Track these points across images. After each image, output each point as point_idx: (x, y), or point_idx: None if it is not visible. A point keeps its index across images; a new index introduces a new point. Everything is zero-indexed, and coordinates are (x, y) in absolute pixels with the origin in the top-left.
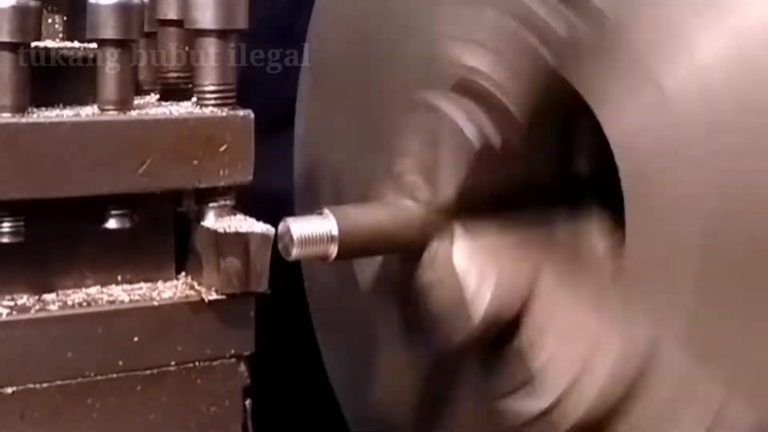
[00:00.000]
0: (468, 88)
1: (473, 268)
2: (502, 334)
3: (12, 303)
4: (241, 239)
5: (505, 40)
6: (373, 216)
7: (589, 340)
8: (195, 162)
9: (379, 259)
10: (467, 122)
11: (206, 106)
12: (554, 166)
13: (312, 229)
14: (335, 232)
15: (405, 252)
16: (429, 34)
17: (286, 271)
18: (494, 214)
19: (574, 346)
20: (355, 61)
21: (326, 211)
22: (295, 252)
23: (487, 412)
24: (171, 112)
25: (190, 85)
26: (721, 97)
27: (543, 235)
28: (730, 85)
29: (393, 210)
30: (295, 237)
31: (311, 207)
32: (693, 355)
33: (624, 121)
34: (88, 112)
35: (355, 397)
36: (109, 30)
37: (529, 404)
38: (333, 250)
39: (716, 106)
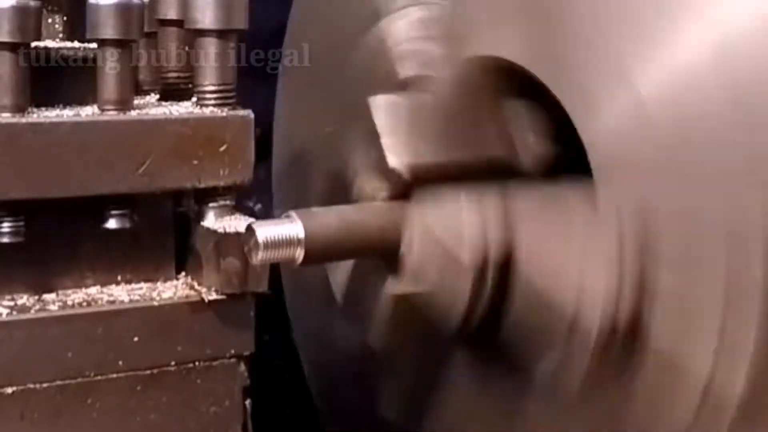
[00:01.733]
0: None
1: (449, 224)
2: (493, 309)
3: (12, 303)
4: (241, 239)
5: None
6: (341, 218)
7: (581, 257)
8: (195, 162)
9: (350, 264)
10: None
11: (206, 106)
12: (514, 145)
13: (277, 232)
14: (301, 235)
15: (377, 254)
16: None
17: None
18: (464, 185)
19: (568, 270)
20: (322, 60)
21: (293, 213)
22: (260, 256)
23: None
24: (171, 112)
25: (190, 85)
26: (694, 99)
27: (516, 192)
28: (704, 86)
29: (361, 211)
30: (260, 240)
31: (288, 205)
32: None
33: (598, 122)
34: (88, 112)
35: (330, 399)
36: (109, 30)
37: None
38: (299, 254)
39: (690, 108)
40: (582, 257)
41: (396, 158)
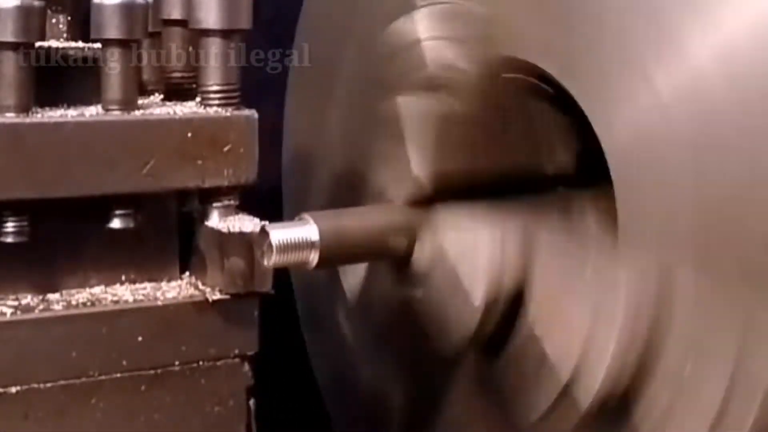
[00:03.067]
0: (435, 84)
1: (465, 252)
2: (500, 331)
3: (16, 303)
4: (245, 239)
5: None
6: (356, 221)
7: (592, 313)
8: (199, 162)
9: (363, 266)
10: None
11: (210, 106)
12: (538, 153)
13: (291, 235)
14: (316, 238)
15: (390, 257)
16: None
17: (287, 271)
18: (481, 201)
19: (577, 322)
20: (335, 58)
21: (306, 216)
22: (274, 259)
23: (492, 412)
24: (175, 112)
25: (194, 85)
26: (715, 99)
27: (533, 215)
28: (724, 86)
29: (376, 214)
30: (274, 244)
31: (299, 206)
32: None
33: (618, 125)
34: (92, 112)
35: (341, 398)
36: (113, 30)
37: (544, 392)
38: (314, 257)
39: (711, 107)
40: (593, 315)
41: (419, 165)
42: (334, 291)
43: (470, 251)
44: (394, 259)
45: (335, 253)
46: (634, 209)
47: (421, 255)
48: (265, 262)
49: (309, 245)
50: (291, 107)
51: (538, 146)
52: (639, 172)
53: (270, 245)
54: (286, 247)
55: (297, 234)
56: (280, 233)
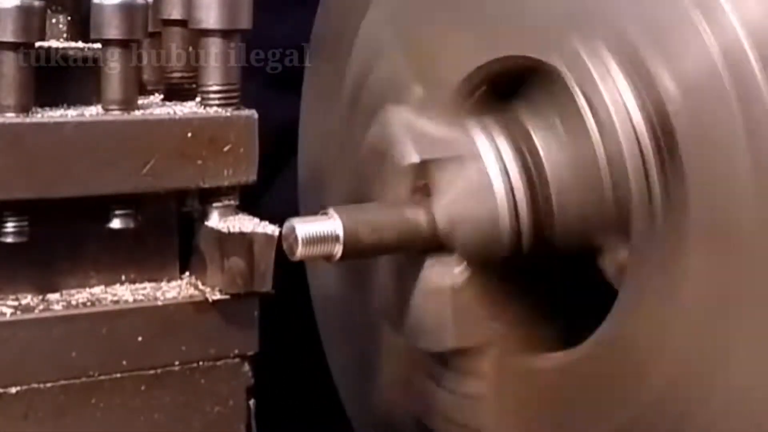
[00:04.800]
0: None
1: (453, 304)
2: None
3: (16, 303)
4: (245, 239)
5: None
6: (379, 216)
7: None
8: (199, 162)
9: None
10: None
11: (210, 106)
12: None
13: (317, 229)
14: (340, 232)
15: (415, 250)
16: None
17: (288, 271)
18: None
19: None
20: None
21: (331, 211)
22: (300, 252)
23: None
24: (175, 112)
25: (194, 85)
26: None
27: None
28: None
29: (399, 211)
30: (299, 237)
31: (315, 205)
32: None
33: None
34: (92, 112)
35: (361, 399)
36: (113, 30)
37: None
38: (338, 250)
39: None
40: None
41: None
42: (353, 292)
43: (460, 306)
44: (418, 251)
45: (359, 246)
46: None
47: (427, 269)
48: (292, 255)
49: (334, 238)
50: (306, 106)
51: None
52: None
53: (296, 238)
54: (312, 240)
55: (321, 228)
56: (305, 227)
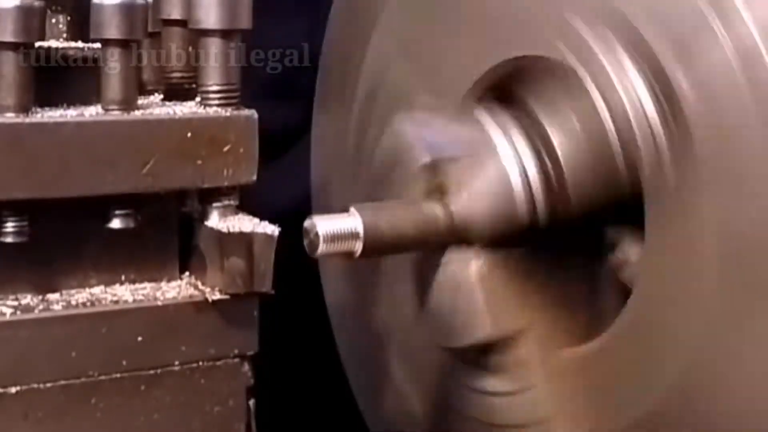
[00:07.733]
0: None
1: (483, 292)
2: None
3: (16, 303)
4: (245, 239)
5: None
6: (398, 213)
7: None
8: (199, 162)
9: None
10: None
11: (210, 106)
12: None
13: (338, 226)
14: (360, 229)
15: (435, 247)
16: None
17: (287, 271)
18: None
19: None
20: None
21: (352, 208)
22: (321, 249)
23: None
24: (175, 112)
25: (194, 85)
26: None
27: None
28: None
29: (418, 209)
30: (321, 234)
31: (328, 206)
32: None
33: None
34: (91, 112)
35: (374, 397)
36: (112, 30)
37: None
38: (358, 247)
39: None
40: None
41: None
42: (367, 291)
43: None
44: (439, 248)
45: (379, 243)
46: None
47: (447, 262)
48: (312, 252)
49: (354, 235)
50: (319, 108)
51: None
52: None
53: (317, 235)
54: (332, 238)
55: (342, 225)
56: (326, 224)
